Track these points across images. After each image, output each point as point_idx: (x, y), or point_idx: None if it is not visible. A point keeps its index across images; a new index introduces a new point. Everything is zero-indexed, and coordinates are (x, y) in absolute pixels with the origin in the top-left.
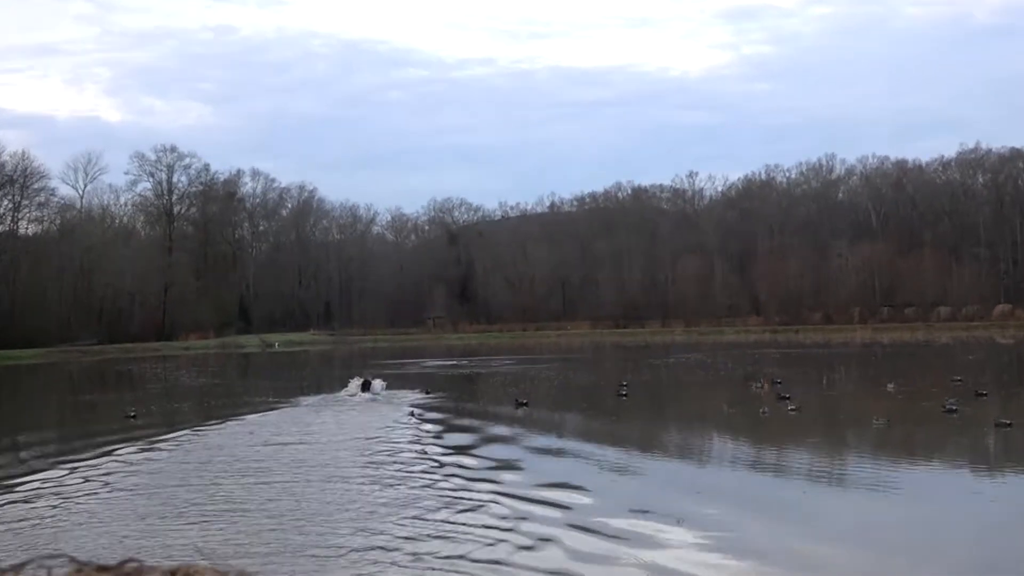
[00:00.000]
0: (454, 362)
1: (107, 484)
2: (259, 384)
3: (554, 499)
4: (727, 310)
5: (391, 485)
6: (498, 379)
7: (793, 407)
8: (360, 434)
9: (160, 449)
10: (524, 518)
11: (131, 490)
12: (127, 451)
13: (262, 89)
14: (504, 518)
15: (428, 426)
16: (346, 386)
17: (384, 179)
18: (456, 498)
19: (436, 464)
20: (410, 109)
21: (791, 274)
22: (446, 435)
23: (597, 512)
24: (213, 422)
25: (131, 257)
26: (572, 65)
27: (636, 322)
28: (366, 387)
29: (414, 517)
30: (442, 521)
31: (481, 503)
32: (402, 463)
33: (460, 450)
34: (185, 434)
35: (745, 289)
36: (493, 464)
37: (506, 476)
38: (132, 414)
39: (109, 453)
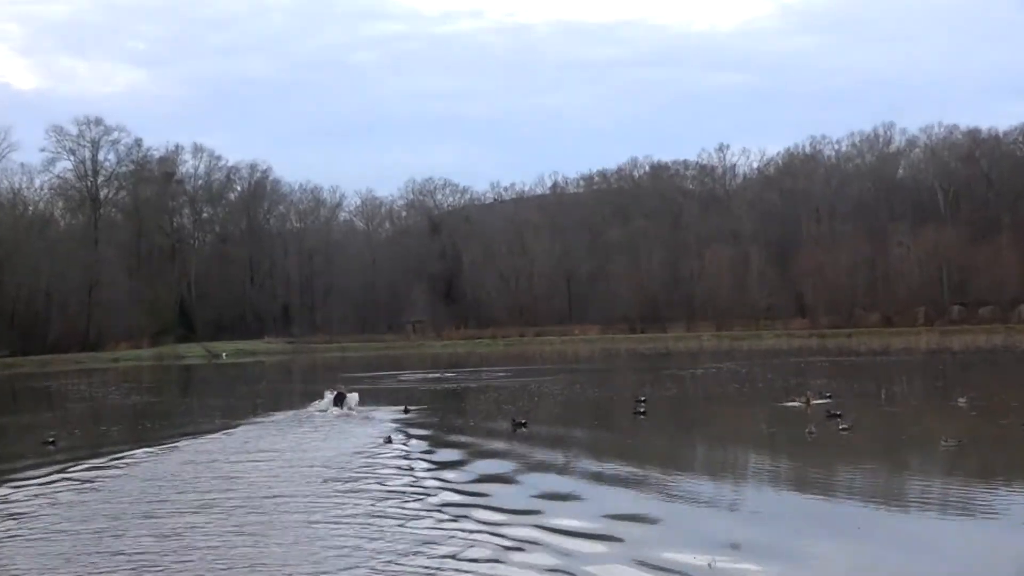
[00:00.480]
0: (438, 374)
1: (7, 530)
2: (205, 403)
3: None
4: (765, 311)
5: (388, 528)
6: (491, 395)
7: (845, 426)
8: (333, 459)
9: (84, 481)
10: None
11: (42, 536)
12: (42, 484)
13: (205, 49)
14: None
15: (411, 450)
16: (318, 400)
17: (353, 156)
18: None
19: (434, 502)
20: (383, 72)
21: (842, 267)
22: (434, 459)
23: None
24: (149, 448)
25: (48, 251)
26: (578, 19)
27: (656, 325)
28: (339, 401)
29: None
30: None
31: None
32: (393, 496)
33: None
34: (114, 463)
35: (787, 285)
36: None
37: (520, 530)
38: (51, 440)
39: (21, 486)
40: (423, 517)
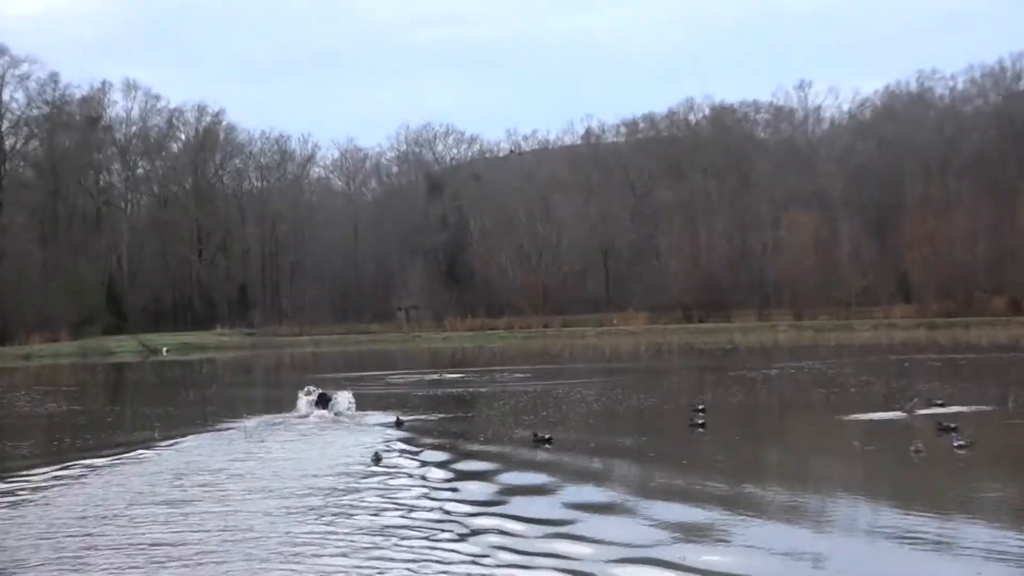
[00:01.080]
0: (436, 375)
1: None
2: (140, 412)
3: None
4: (859, 295)
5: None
6: (506, 402)
7: (962, 442)
8: (303, 487)
9: None
10: None
11: None
12: None
13: None
14: None
15: (405, 472)
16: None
17: (329, 95)
18: None
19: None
20: None
21: (958, 238)
22: (434, 485)
23: None
24: (67, 468)
25: None
26: None
27: (718, 313)
28: (323, 402)
29: None
30: None
31: None
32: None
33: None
34: (21, 489)
35: (887, 262)
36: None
37: None
38: None
39: None
40: None
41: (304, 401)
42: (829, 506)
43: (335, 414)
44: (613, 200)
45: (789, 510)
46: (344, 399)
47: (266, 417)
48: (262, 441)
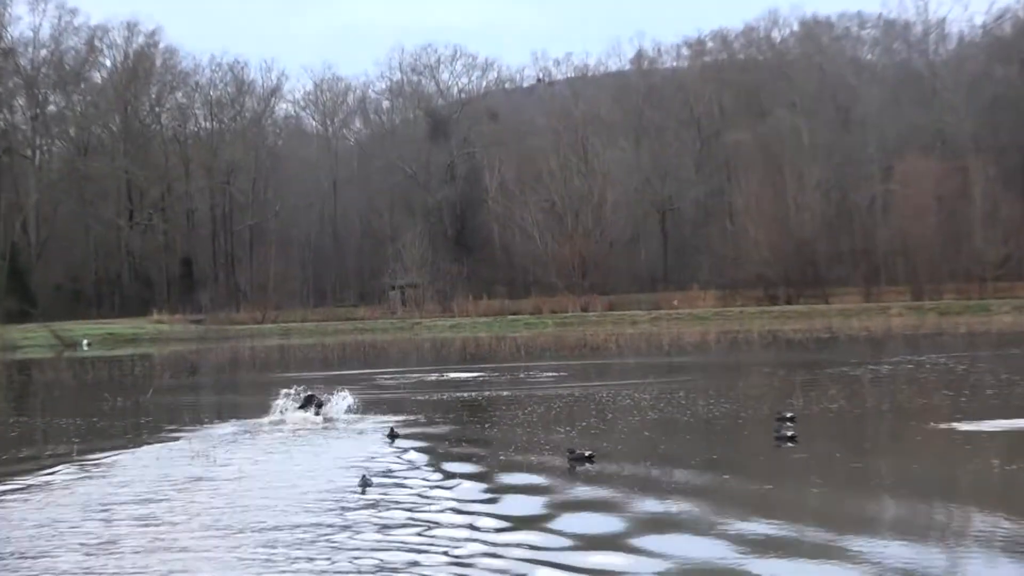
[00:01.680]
0: (438, 374)
1: None
2: (53, 424)
3: None
4: (999, 266)
5: None
6: (533, 409)
7: None
8: (262, 528)
9: None
10: None
11: None
12: None
13: None
14: None
15: (398, 504)
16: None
17: (299, 11)
18: None
19: None
20: None
21: None
22: (436, 519)
23: None
24: None
25: None
26: None
27: (811, 292)
28: (311, 404)
29: None
30: None
31: None
32: None
33: None
34: None
35: None
36: None
37: None
38: None
39: None
40: None
41: (279, 402)
42: (962, 558)
43: (324, 420)
44: (672, 144)
45: (922, 565)
46: (342, 402)
47: (232, 425)
48: (214, 461)
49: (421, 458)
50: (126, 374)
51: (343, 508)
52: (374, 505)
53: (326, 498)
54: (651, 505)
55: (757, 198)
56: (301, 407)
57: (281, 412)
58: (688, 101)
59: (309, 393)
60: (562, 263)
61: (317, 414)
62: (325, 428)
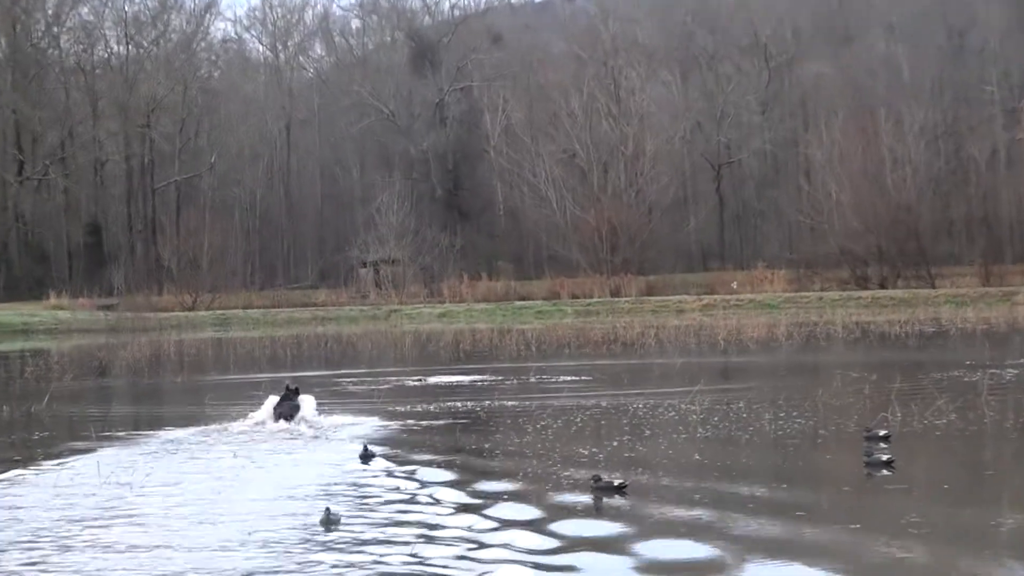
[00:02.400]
0: (419, 378)
1: None
2: None
3: None
4: None
5: None
6: (547, 424)
7: None
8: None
9: None
10: None
11: None
12: None
13: None
14: None
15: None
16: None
17: None
18: None
19: None
20: None
21: None
22: None
23: None
24: None
25: None
26: None
27: (912, 272)
28: (285, 411)
29: None
30: None
31: None
32: None
33: None
34: None
35: None
36: None
37: None
38: None
39: None
40: None
41: (263, 409)
42: None
43: (296, 424)
44: (731, 78)
45: None
46: (308, 405)
47: (153, 439)
48: (129, 487)
49: (403, 485)
50: (14, 375)
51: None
52: (338, 547)
53: (279, 539)
54: (698, 553)
55: (842, 150)
56: (275, 413)
57: (263, 415)
58: (752, 21)
59: (285, 394)
60: (586, 233)
61: (290, 419)
62: (296, 429)
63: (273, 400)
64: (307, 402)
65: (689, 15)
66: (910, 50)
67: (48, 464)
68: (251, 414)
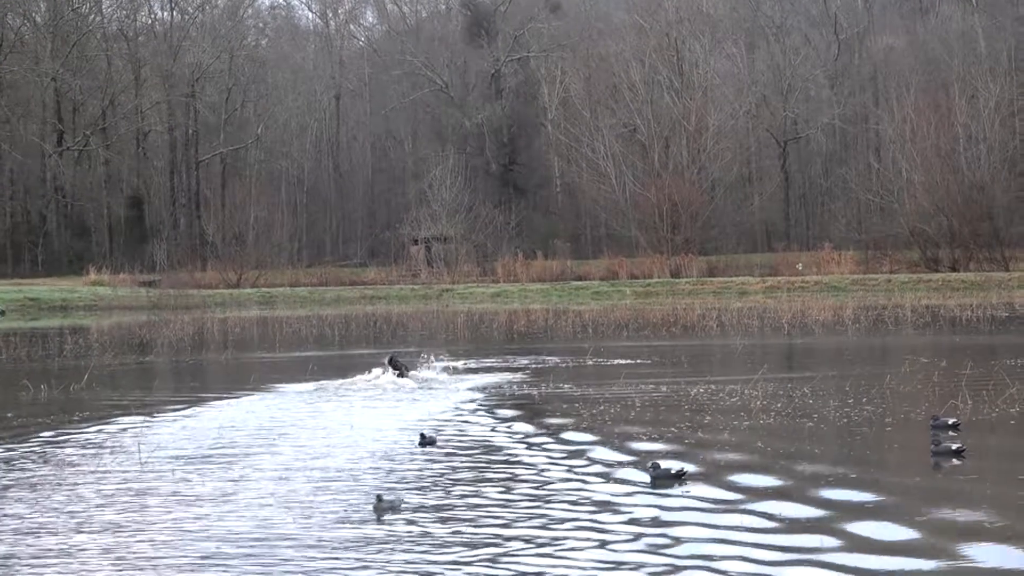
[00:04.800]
0: (466, 362)
1: None
2: None
3: None
4: None
5: None
6: (606, 409)
7: None
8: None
9: None
10: None
11: None
12: None
13: None
14: None
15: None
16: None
17: None
18: None
19: None
20: None
21: None
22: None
23: None
24: None
25: None
26: None
27: (986, 254)
28: (398, 368)
29: None
30: None
31: None
32: None
33: None
34: None
35: None
36: None
37: None
38: None
39: None
40: None
41: (376, 371)
42: None
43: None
44: (799, 51)
45: None
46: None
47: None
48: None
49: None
50: (52, 354)
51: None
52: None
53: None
54: (758, 541)
55: (913, 126)
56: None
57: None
58: None
59: (391, 357)
60: (646, 211)
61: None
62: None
63: (382, 365)
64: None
65: None
66: (987, 22)
67: (220, 403)
68: (373, 370)
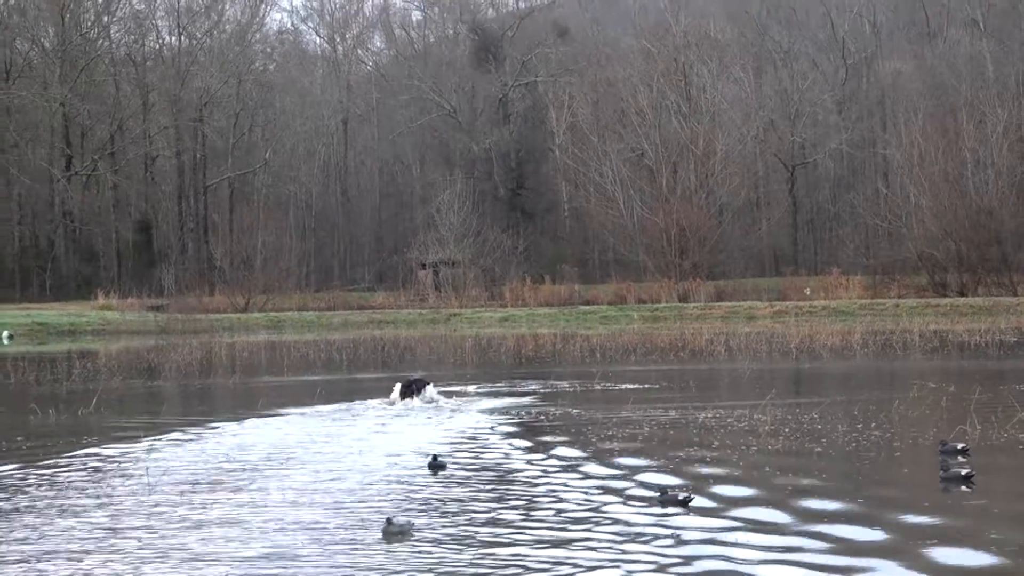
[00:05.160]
0: (478, 389)
1: None
2: None
3: None
4: None
5: None
6: (614, 433)
7: None
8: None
9: None
10: None
11: None
12: None
13: None
14: None
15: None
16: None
17: None
18: None
19: None
20: None
21: None
22: None
23: None
24: None
25: None
26: None
27: (994, 278)
28: (413, 390)
29: None
30: None
31: None
32: None
33: None
34: None
35: None
36: None
37: None
38: None
39: None
40: None
41: (394, 392)
42: None
43: (424, 403)
44: (804, 72)
45: None
46: (431, 389)
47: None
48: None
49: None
50: (61, 378)
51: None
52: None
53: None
54: (767, 571)
55: (921, 151)
56: (402, 392)
57: (394, 399)
58: (829, 16)
59: (413, 379)
60: (653, 235)
61: (416, 397)
62: (430, 406)
63: (399, 386)
64: (428, 388)
65: (764, 9)
66: (995, 47)
67: (229, 427)
68: (391, 395)
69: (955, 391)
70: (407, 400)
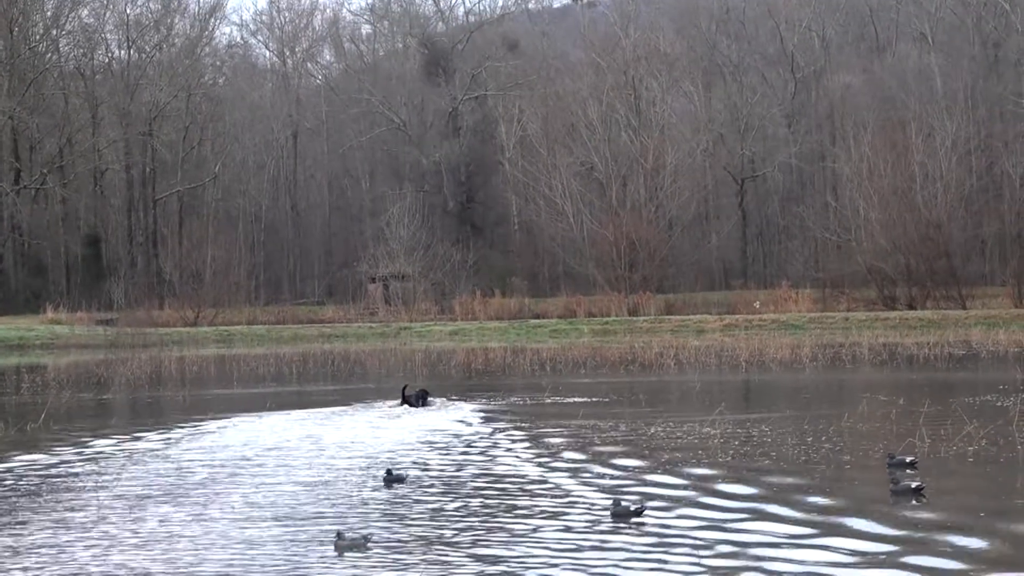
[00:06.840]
0: (424, 405)
1: None
2: None
3: None
4: None
5: None
6: (559, 444)
7: None
8: None
9: None
10: None
11: None
12: None
13: None
14: None
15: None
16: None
17: None
18: None
19: None
20: None
21: None
22: None
23: None
24: None
25: None
26: None
27: (943, 292)
28: (418, 400)
29: None
30: None
31: None
32: None
33: None
34: None
35: None
36: None
37: None
38: None
39: None
40: None
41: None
42: None
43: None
44: (753, 86)
45: None
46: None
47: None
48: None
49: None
50: (9, 392)
51: None
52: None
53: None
54: None
55: (870, 165)
56: (410, 401)
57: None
58: (778, 29)
59: (419, 390)
60: (603, 249)
61: (420, 404)
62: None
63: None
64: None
65: (713, 23)
66: (943, 61)
67: (179, 440)
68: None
69: (904, 404)
70: (411, 407)
